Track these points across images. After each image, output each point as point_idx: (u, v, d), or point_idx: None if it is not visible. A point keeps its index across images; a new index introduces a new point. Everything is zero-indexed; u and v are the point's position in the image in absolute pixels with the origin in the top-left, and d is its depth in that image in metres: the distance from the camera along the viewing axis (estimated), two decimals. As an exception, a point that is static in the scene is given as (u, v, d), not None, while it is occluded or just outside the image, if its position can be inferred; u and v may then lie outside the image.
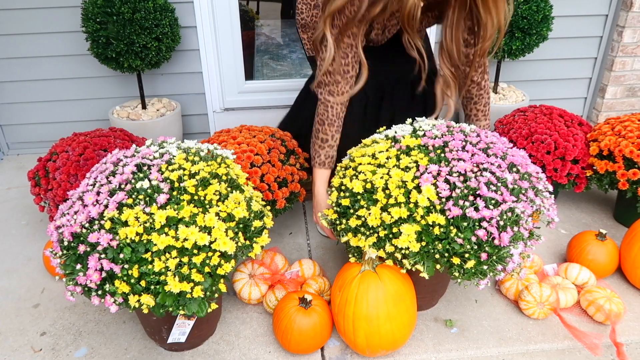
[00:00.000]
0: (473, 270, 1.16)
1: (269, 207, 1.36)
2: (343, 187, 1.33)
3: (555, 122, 1.88)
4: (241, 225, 1.19)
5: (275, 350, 1.37)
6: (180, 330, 1.27)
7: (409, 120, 1.44)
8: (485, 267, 1.15)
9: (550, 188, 1.33)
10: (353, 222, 1.25)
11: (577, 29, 2.53)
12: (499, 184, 1.19)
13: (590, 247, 1.58)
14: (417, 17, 1.27)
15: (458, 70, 1.44)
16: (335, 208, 1.35)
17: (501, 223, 1.14)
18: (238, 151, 1.61)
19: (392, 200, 1.18)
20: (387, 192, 1.21)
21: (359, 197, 1.26)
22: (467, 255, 1.14)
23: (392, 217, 1.17)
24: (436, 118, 1.49)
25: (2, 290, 1.60)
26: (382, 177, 1.23)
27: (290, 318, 1.29)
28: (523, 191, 1.23)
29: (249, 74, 3.24)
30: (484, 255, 1.13)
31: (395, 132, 1.36)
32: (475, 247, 1.14)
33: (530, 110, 2.01)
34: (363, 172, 1.28)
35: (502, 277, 1.36)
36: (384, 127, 1.45)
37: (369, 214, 1.21)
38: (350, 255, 1.34)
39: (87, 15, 1.99)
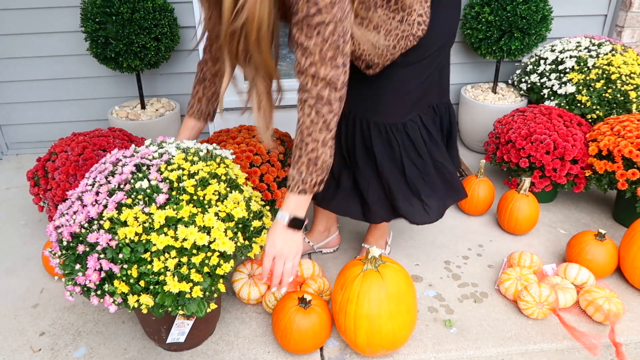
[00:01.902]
0: None
1: (268, 207, 1.36)
2: None
3: (554, 122, 1.88)
4: (240, 225, 1.19)
5: (274, 350, 1.37)
6: (180, 330, 1.27)
7: None
8: None
9: None
10: None
11: (576, 29, 2.53)
12: None
13: (590, 247, 1.58)
14: None
15: None
16: None
17: None
18: (237, 151, 1.61)
19: None
20: None
21: None
22: None
23: None
24: None
25: (1, 291, 1.60)
26: None
27: (289, 318, 1.29)
28: None
29: (249, 74, 3.24)
30: None
31: None
32: None
33: (530, 110, 2.01)
34: None
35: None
36: None
37: None
38: None
39: (86, 15, 1.99)
